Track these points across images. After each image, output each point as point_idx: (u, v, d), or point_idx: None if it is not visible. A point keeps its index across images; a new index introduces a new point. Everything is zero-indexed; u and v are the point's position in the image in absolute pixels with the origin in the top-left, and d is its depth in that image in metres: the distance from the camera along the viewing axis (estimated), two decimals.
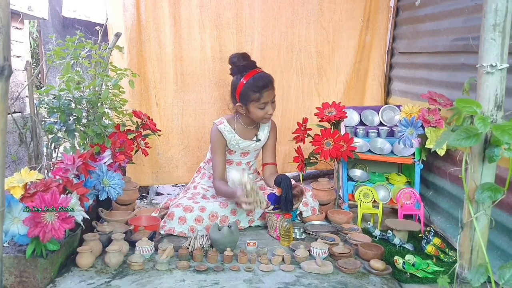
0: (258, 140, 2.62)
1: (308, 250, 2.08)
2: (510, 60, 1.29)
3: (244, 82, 2.43)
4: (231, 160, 2.63)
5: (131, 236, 2.17)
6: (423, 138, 2.53)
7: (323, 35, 3.25)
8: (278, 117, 3.18)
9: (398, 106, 2.93)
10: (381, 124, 2.93)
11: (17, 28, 3.11)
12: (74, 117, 2.41)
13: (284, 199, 2.25)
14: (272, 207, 2.32)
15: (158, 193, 3.33)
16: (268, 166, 2.68)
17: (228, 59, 2.55)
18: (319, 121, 2.73)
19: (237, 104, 2.51)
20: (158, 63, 3.05)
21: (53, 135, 2.44)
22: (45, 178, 1.93)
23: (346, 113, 2.70)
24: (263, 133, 2.64)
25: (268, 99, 2.46)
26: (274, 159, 2.70)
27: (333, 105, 2.71)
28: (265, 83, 2.43)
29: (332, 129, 2.67)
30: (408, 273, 1.91)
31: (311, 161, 2.82)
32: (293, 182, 2.35)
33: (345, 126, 2.85)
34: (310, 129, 2.78)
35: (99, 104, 2.44)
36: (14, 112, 2.89)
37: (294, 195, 2.30)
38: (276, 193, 2.30)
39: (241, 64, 2.47)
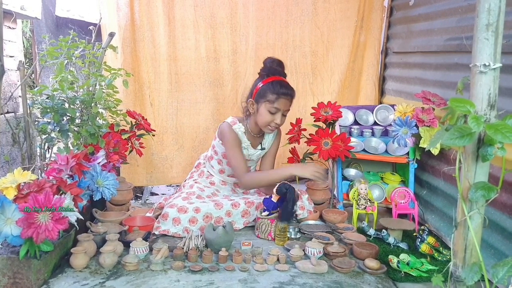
0: (262, 149, 2.61)
1: (303, 250, 2.08)
2: (503, 59, 1.29)
3: (268, 81, 2.41)
4: None
5: (126, 236, 2.16)
6: (417, 137, 2.54)
7: (318, 35, 3.26)
8: None
9: (392, 106, 2.94)
10: (375, 123, 2.94)
11: (10, 27, 3.09)
12: (68, 117, 2.40)
13: (290, 212, 2.22)
14: (266, 212, 2.31)
15: (152, 193, 3.32)
16: None
17: (263, 61, 2.51)
18: (314, 121, 2.73)
19: (250, 100, 2.47)
20: (152, 63, 3.04)
21: (47, 135, 2.43)
22: (38, 178, 1.91)
23: (342, 112, 2.71)
24: (268, 140, 2.63)
25: (282, 107, 2.41)
26: (273, 167, 2.70)
27: (328, 105, 2.71)
28: (287, 91, 2.41)
29: (330, 129, 2.67)
30: (403, 272, 1.91)
31: (306, 161, 2.82)
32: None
33: (340, 125, 2.86)
34: (305, 129, 2.78)
35: (93, 104, 2.43)
36: (7, 113, 2.88)
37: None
38: (273, 199, 2.29)
39: (275, 68, 2.45)
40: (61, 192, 1.87)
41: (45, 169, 2.44)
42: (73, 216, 1.81)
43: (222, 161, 2.60)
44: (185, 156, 3.19)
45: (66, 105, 2.39)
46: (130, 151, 2.67)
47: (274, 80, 2.41)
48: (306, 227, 2.41)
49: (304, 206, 2.52)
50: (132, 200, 2.78)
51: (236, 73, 3.18)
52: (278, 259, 2.02)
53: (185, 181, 2.72)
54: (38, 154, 2.58)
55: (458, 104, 1.27)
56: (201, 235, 2.21)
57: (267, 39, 3.20)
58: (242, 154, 2.50)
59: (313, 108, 2.74)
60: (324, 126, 2.73)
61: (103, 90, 2.50)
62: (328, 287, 1.80)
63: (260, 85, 2.42)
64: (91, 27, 2.83)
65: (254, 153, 2.59)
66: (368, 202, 2.46)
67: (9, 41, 3.08)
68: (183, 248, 2.06)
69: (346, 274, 1.91)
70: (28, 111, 2.52)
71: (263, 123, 2.46)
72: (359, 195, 2.48)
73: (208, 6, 3.06)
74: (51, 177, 1.95)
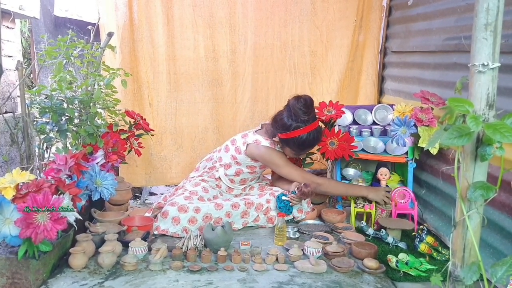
0: None
1: (302, 250, 2.08)
2: (502, 59, 1.29)
3: (299, 134, 2.39)
4: (256, 172, 2.63)
5: (124, 236, 2.16)
6: (416, 137, 2.54)
7: (316, 35, 3.26)
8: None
9: (391, 105, 2.94)
10: (374, 123, 2.94)
11: (8, 27, 3.09)
12: (66, 117, 2.40)
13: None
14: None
15: (151, 193, 3.32)
16: None
17: (288, 100, 2.45)
18: None
19: (274, 139, 2.49)
20: (151, 63, 3.04)
21: (45, 135, 2.43)
22: (37, 178, 1.91)
23: (344, 112, 2.72)
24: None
25: (306, 153, 2.56)
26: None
27: (330, 104, 2.72)
28: (314, 144, 2.49)
29: (329, 129, 2.67)
30: (402, 272, 1.92)
31: (306, 162, 2.83)
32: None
33: (339, 125, 2.86)
34: None
35: (91, 104, 2.43)
36: (6, 112, 2.87)
37: (303, 193, 2.38)
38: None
39: (304, 118, 2.38)
40: (59, 192, 1.86)
41: (43, 169, 2.44)
42: (72, 216, 1.80)
43: (243, 170, 2.58)
44: (184, 156, 3.18)
45: (65, 105, 2.39)
46: (129, 151, 2.67)
47: (304, 135, 2.39)
48: (305, 226, 2.42)
49: (302, 209, 2.53)
50: (131, 200, 2.78)
51: (235, 73, 3.18)
52: (277, 259, 2.02)
53: (192, 177, 2.69)
54: (36, 154, 2.58)
55: (456, 104, 1.27)
56: (200, 235, 2.21)
57: (266, 38, 3.19)
58: (295, 165, 2.59)
59: (315, 107, 2.73)
60: (323, 126, 2.73)
61: (102, 90, 2.49)
62: (327, 286, 1.80)
63: (290, 134, 2.40)
64: (89, 27, 2.83)
65: None
66: (366, 201, 2.47)
67: (8, 41, 3.08)
68: (182, 248, 2.06)
69: (345, 274, 1.91)
70: (27, 111, 2.52)
71: (287, 155, 2.58)
72: None
73: (206, 5, 3.05)
74: (49, 177, 1.95)
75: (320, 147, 2.63)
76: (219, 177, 2.62)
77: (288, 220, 2.49)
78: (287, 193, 2.46)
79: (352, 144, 2.61)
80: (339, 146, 2.59)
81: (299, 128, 2.38)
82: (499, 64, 1.26)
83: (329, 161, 2.85)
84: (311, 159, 2.86)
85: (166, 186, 3.42)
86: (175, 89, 3.10)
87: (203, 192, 2.49)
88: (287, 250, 2.10)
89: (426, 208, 2.59)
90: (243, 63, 3.17)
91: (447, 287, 1.40)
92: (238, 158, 2.55)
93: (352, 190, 2.53)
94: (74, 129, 2.42)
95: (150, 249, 2.03)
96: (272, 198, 2.50)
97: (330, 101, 2.73)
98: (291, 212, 2.47)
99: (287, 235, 2.28)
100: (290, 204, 2.44)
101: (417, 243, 2.11)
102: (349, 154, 2.58)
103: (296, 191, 2.40)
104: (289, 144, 2.45)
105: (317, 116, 2.52)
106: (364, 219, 2.49)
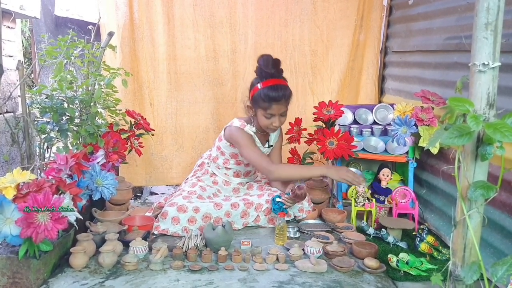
0: (270, 146, 2.61)
1: (303, 249, 2.08)
2: (502, 58, 1.29)
3: (259, 88, 2.38)
4: (241, 161, 2.59)
5: (125, 236, 2.16)
6: (417, 136, 2.54)
7: (317, 34, 3.25)
8: None
9: (392, 105, 2.94)
10: (374, 122, 2.94)
11: (9, 27, 3.09)
12: (67, 117, 2.40)
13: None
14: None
15: (152, 193, 3.32)
16: None
17: (257, 59, 2.44)
18: (314, 120, 2.73)
19: (247, 105, 2.49)
20: (152, 62, 3.04)
21: (46, 135, 2.43)
22: (37, 178, 1.91)
23: (343, 112, 2.71)
24: (273, 137, 2.62)
25: (276, 112, 2.40)
26: (280, 160, 2.70)
27: (330, 104, 2.72)
28: (277, 96, 2.37)
29: (329, 129, 2.67)
30: (402, 271, 1.91)
31: (306, 161, 2.82)
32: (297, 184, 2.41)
33: (339, 125, 2.86)
34: (305, 129, 2.78)
35: (92, 104, 2.43)
36: (6, 112, 2.87)
37: (296, 195, 2.35)
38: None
39: (266, 71, 2.38)
40: (60, 191, 1.87)
41: (44, 168, 2.44)
42: (73, 216, 1.81)
43: (229, 161, 2.58)
44: (185, 156, 3.18)
45: (65, 104, 2.39)
46: (130, 151, 2.67)
47: (265, 87, 2.36)
48: (305, 226, 2.42)
49: (303, 209, 2.52)
50: (131, 199, 2.78)
51: (235, 72, 3.18)
52: (277, 259, 2.02)
53: (186, 179, 2.70)
54: (37, 153, 2.58)
55: (457, 103, 1.27)
56: (200, 235, 2.21)
57: (266, 38, 3.19)
58: (260, 150, 2.52)
59: (315, 107, 2.73)
60: (324, 125, 2.73)
61: (102, 90, 2.49)
62: (327, 286, 1.80)
63: (254, 91, 2.41)
64: (90, 27, 2.83)
65: (262, 151, 2.57)
66: (367, 200, 2.47)
67: (8, 40, 3.08)
68: (182, 248, 2.06)
69: (345, 273, 1.91)
70: (27, 111, 2.52)
71: (263, 126, 2.47)
72: (357, 193, 2.48)
73: (207, 5, 3.05)
74: (50, 177, 1.95)
75: (320, 146, 2.62)
76: (213, 172, 2.63)
77: (288, 219, 2.49)
78: (283, 195, 2.44)
79: (352, 143, 2.61)
80: (338, 145, 2.59)
81: (260, 82, 2.38)
82: (500, 64, 1.26)
83: (329, 160, 2.85)
84: (311, 158, 2.86)
85: (167, 186, 3.42)
86: (176, 88, 3.11)
87: (201, 191, 2.50)
88: (288, 249, 2.10)
89: (426, 207, 2.59)
90: (244, 62, 3.18)
91: (448, 286, 1.40)
92: (222, 147, 2.56)
93: (308, 172, 2.49)
94: (75, 128, 2.42)
95: (150, 249, 2.03)
96: (271, 199, 2.50)
97: (330, 101, 2.73)
98: (285, 212, 2.45)
99: (288, 235, 2.28)
100: (284, 206, 2.41)
101: (417, 242, 2.11)
102: (348, 153, 2.58)
103: (290, 193, 2.39)
104: (257, 103, 2.40)
105: (283, 76, 2.45)
106: (365, 218, 2.49)
